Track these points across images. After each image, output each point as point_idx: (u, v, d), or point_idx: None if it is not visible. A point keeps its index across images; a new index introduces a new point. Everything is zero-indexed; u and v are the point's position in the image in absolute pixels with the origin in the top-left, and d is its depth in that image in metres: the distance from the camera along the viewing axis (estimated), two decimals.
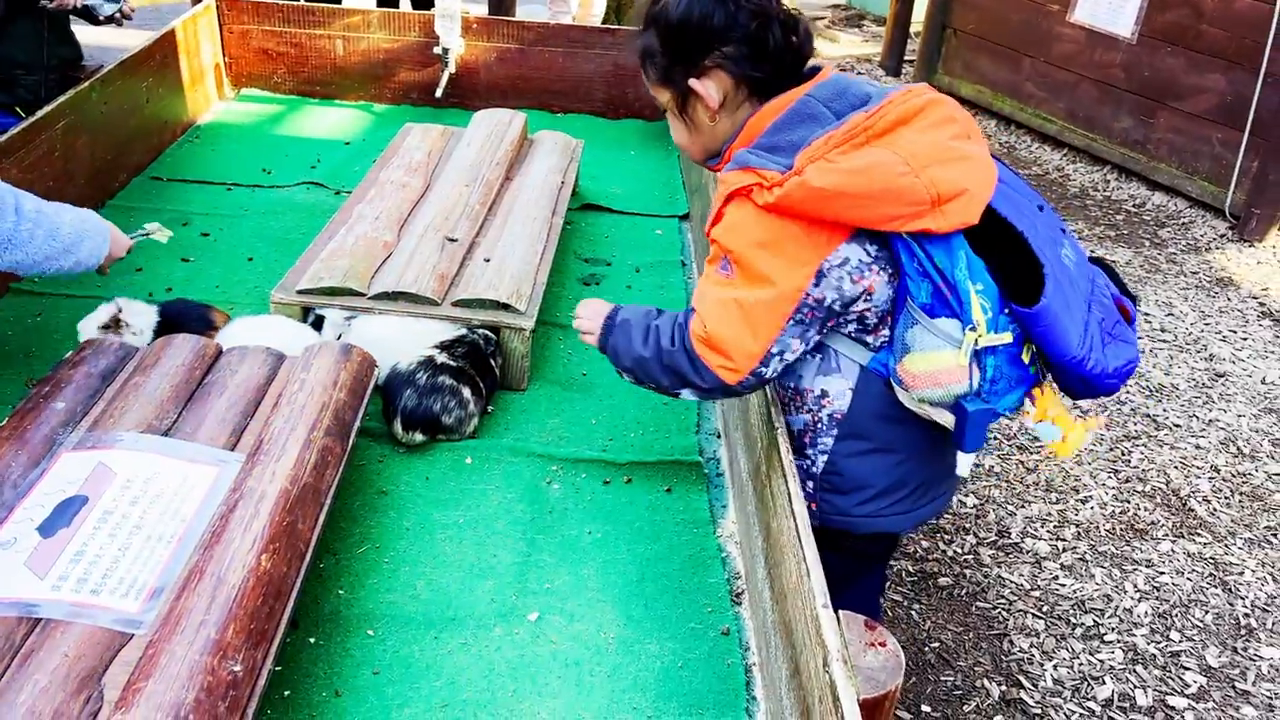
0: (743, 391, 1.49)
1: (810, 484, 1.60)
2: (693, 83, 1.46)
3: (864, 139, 1.35)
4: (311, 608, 1.52)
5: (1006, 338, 1.40)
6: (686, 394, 1.53)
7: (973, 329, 1.37)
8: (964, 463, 1.61)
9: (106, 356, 1.71)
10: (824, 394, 1.53)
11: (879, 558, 1.84)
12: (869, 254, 1.41)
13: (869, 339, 1.48)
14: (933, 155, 1.35)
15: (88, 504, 1.39)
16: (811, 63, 1.52)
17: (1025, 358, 1.43)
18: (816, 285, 1.39)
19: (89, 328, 1.92)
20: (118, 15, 2.95)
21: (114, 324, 1.93)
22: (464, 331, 2.01)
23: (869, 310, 1.44)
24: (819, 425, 1.55)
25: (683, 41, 1.46)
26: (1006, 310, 1.39)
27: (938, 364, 1.40)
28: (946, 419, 1.46)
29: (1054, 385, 1.51)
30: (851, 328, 1.48)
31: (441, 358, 1.90)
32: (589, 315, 1.62)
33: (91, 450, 1.48)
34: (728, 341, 1.42)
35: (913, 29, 6.50)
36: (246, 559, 1.33)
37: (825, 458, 1.57)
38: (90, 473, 1.43)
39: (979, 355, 1.39)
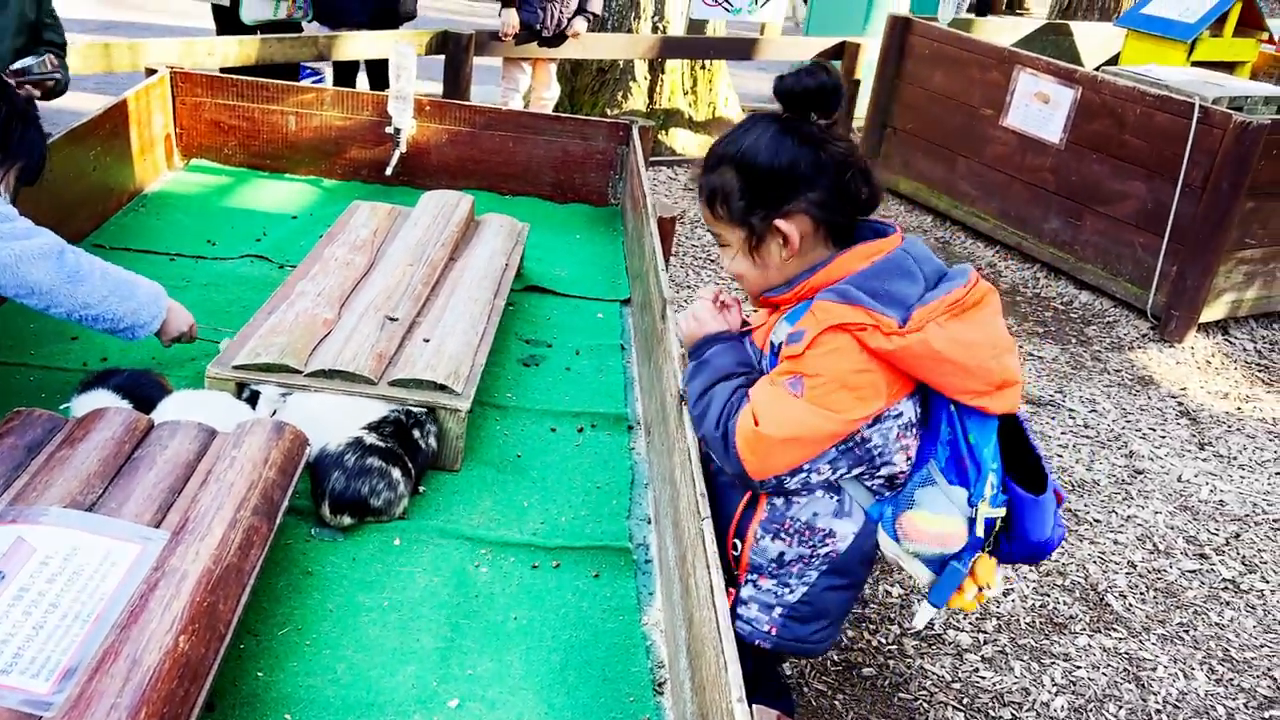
0: (759, 488, 1.57)
1: (778, 610, 1.67)
2: (779, 223, 1.52)
3: (959, 311, 1.47)
4: (229, 690, 1.51)
5: (1001, 512, 1.54)
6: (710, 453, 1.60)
7: (982, 500, 1.51)
8: (925, 615, 1.70)
9: (34, 428, 1.70)
10: (831, 533, 1.61)
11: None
12: (915, 415, 1.54)
13: (886, 492, 1.59)
14: (1005, 344, 1.51)
15: (3, 580, 1.37)
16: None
17: (981, 530, 1.56)
18: (870, 426, 1.50)
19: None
20: (46, 77, 2.74)
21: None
22: (387, 411, 2.02)
23: (902, 473, 1.57)
24: (812, 560, 1.63)
25: (769, 185, 1.52)
26: (1005, 488, 1.55)
27: (946, 527, 1.53)
28: (917, 569, 1.59)
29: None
30: (878, 483, 1.58)
31: (370, 438, 1.91)
32: (694, 324, 1.68)
33: (11, 524, 1.46)
34: (770, 449, 1.49)
35: (855, 125, 6.75)
36: (164, 640, 1.32)
37: (805, 589, 1.65)
38: (8, 548, 1.42)
39: (972, 523, 1.53)
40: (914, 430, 1.54)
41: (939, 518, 1.52)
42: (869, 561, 1.66)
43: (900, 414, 1.52)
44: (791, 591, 1.65)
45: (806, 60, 1.67)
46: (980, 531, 1.53)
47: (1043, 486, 1.55)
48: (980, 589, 1.60)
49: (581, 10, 5.60)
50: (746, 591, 1.69)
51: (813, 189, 1.51)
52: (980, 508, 1.51)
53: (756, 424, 1.48)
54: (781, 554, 1.64)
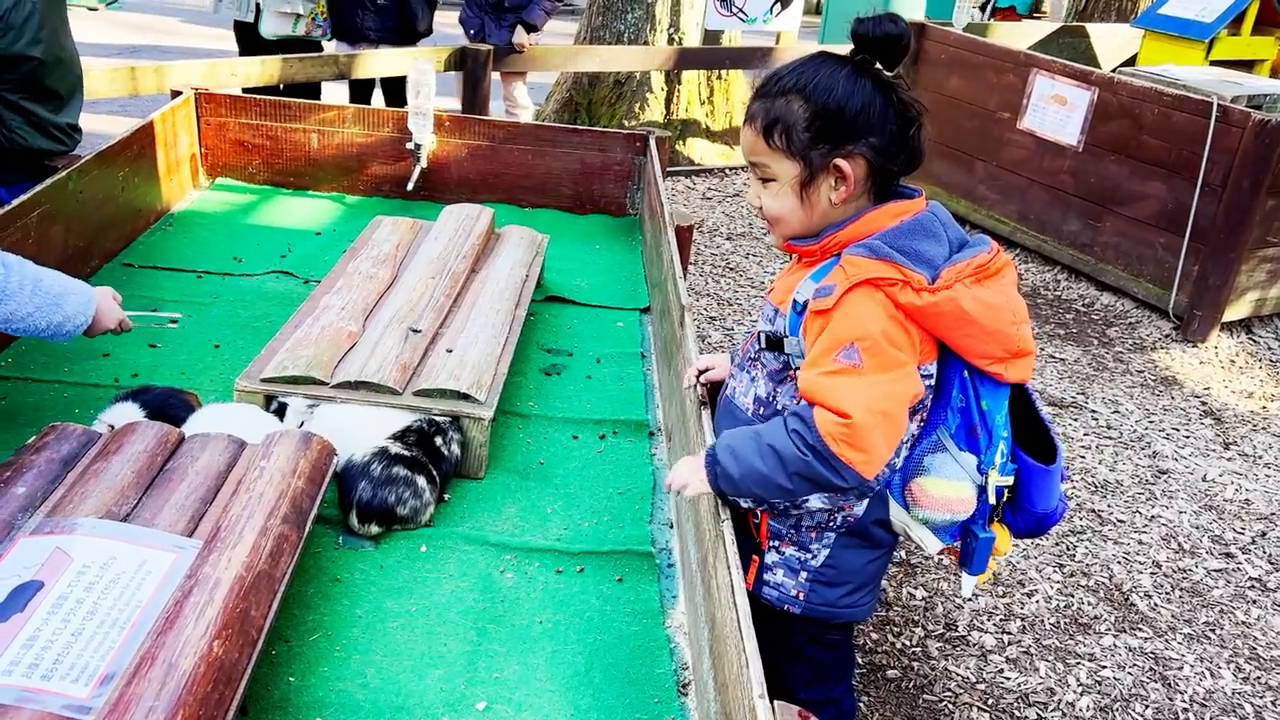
0: (876, 486, 1.53)
1: (804, 575, 1.69)
2: (841, 162, 1.49)
3: (983, 276, 1.48)
4: (262, 695, 1.54)
5: (1009, 480, 1.55)
6: (815, 500, 1.55)
7: (992, 468, 1.52)
8: (969, 584, 1.69)
9: (69, 442, 1.75)
10: (846, 498, 1.62)
11: (847, 644, 1.93)
12: (932, 378, 1.54)
13: (896, 460, 1.58)
14: (1022, 313, 1.51)
15: (43, 589, 1.41)
16: None
17: (992, 497, 1.57)
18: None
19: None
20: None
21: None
22: (412, 421, 2.05)
23: (912, 435, 1.57)
24: (831, 523, 1.64)
25: (839, 122, 1.48)
26: (1013, 457, 1.55)
27: (956, 493, 1.53)
28: (925, 537, 1.60)
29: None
30: None
31: (395, 448, 1.95)
32: (686, 472, 1.61)
33: (49, 535, 1.51)
34: (873, 433, 1.42)
35: None
36: (199, 645, 1.35)
37: (827, 552, 1.67)
38: (47, 558, 1.46)
39: (982, 491, 1.54)
40: (928, 395, 1.55)
41: (950, 483, 1.53)
42: (883, 525, 1.65)
43: (930, 374, 1.52)
44: (814, 557, 1.67)
45: None
46: (991, 499, 1.54)
47: (1051, 457, 1.55)
48: (992, 554, 1.62)
49: (521, 22, 5.67)
50: (770, 557, 1.70)
51: (876, 135, 1.49)
52: (991, 475, 1.52)
53: (845, 415, 1.42)
54: (799, 519, 1.65)
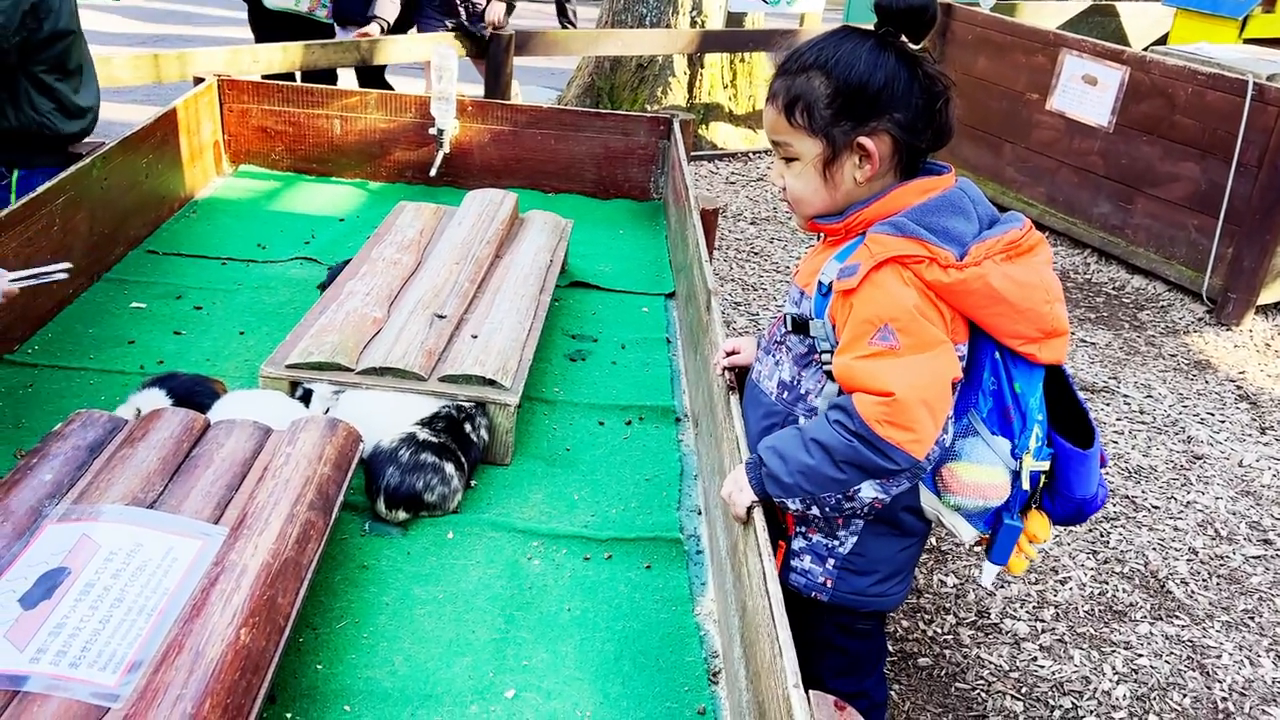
0: (928, 466, 1.47)
1: (831, 562, 1.66)
2: (864, 140, 1.46)
3: (1015, 254, 1.44)
4: (290, 682, 1.53)
5: (1045, 465, 1.50)
6: (867, 490, 1.49)
7: (1026, 453, 1.47)
8: (990, 572, 1.65)
9: (95, 429, 1.74)
10: None
11: (879, 635, 1.90)
12: (964, 359, 1.49)
13: (945, 436, 1.53)
14: (1056, 292, 1.46)
15: (70, 576, 1.40)
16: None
17: (1026, 483, 1.52)
18: None
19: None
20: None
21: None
22: (441, 407, 2.03)
23: None
24: (859, 510, 1.59)
25: (862, 98, 1.45)
26: (1049, 442, 1.51)
27: (988, 478, 1.49)
28: (959, 524, 1.56)
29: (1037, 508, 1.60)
30: None
31: (424, 434, 1.93)
32: (728, 485, 1.58)
33: (76, 522, 1.50)
34: (917, 410, 1.39)
35: None
36: (225, 633, 1.34)
37: (855, 539, 1.63)
38: (74, 545, 1.45)
39: (1016, 476, 1.50)
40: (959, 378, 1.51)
41: (981, 468, 1.49)
42: (913, 512, 1.61)
43: (961, 355, 1.48)
44: (842, 544, 1.64)
45: None
46: (1025, 484, 1.50)
47: (1089, 441, 1.51)
48: (1030, 542, 1.57)
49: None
50: (797, 543, 1.68)
51: (902, 110, 1.45)
52: (1025, 460, 1.48)
53: (887, 393, 1.39)
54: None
